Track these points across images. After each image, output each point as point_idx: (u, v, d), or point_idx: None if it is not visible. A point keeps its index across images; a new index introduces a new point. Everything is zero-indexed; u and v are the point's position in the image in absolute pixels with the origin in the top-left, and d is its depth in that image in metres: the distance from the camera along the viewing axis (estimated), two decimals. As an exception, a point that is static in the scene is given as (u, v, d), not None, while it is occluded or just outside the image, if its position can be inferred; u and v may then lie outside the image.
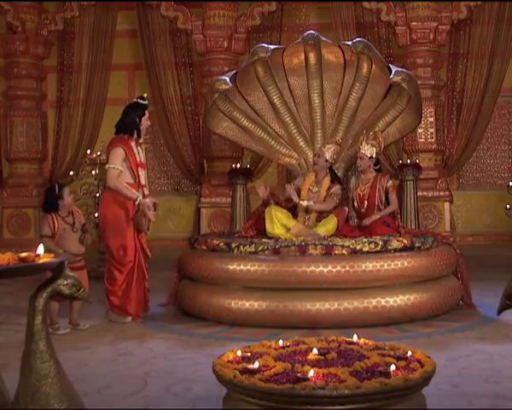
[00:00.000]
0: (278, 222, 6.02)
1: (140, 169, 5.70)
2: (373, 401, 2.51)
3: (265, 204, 6.26)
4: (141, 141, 5.81)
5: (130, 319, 5.66)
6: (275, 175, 11.60)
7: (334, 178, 6.36)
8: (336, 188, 6.30)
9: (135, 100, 5.88)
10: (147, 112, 5.78)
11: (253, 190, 10.80)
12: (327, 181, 6.29)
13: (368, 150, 6.25)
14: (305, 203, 6.15)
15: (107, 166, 5.71)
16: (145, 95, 5.95)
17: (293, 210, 6.37)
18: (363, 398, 2.49)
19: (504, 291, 4.47)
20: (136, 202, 5.59)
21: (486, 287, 6.74)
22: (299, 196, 6.35)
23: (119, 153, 5.60)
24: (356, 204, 6.35)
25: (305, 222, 6.20)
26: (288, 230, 6.01)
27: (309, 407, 2.48)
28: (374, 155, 6.28)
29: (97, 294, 6.92)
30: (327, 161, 6.32)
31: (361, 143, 6.28)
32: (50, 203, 5.54)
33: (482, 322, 5.42)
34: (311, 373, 2.62)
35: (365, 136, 6.28)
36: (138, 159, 5.70)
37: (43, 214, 5.62)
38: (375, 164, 6.35)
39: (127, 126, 5.69)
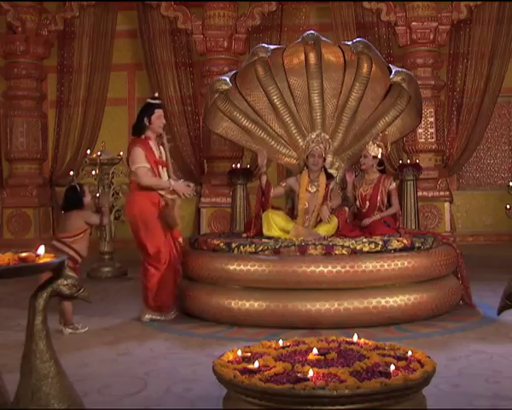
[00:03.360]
0: (276, 226, 6.00)
1: (160, 167, 5.74)
2: (373, 401, 2.51)
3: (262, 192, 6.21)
4: (163, 140, 5.82)
5: (165, 316, 5.70)
6: (275, 175, 11.60)
7: (328, 175, 6.35)
8: (333, 183, 6.34)
9: (146, 100, 5.94)
10: (157, 110, 5.77)
11: (253, 190, 10.82)
12: (323, 179, 6.27)
13: (373, 150, 6.25)
14: (325, 212, 6.07)
15: (133, 168, 5.67)
16: (156, 94, 6.02)
17: (292, 212, 6.37)
18: (364, 398, 2.49)
19: (504, 291, 4.46)
20: (171, 188, 5.68)
21: (486, 287, 6.74)
22: (293, 196, 6.35)
23: (139, 152, 5.66)
24: (358, 204, 6.35)
25: (305, 223, 6.19)
26: (287, 232, 5.99)
27: (309, 407, 2.48)
28: (378, 156, 6.28)
29: (97, 294, 6.94)
30: (324, 159, 6.33)
31: (368, 143, 6.30)
32: (75, 201, 5.52)
33: (482, 322, 5.41)
34: (311, 373, 2.62)
35: (374, 136, 6.29)
36: (158, 156, 5.74)
37: (68, 213, 5.52)
38: (380, 164, 6.35)
39: (139, 127, 5.77)
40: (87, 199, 5.59)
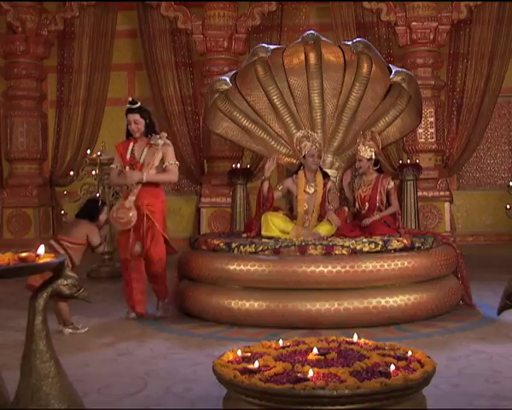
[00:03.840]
0: (275, 228, 6.00)
1: (128, 167, 5.78)
2: (373, 401, 2.51)
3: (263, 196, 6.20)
4: (152, 142, 5.80)
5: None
6: (275, 175, 11.58)
7: (324, 174, 6.33)
8: (331, 182, 6.33)
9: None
10: (129, 115, 5.82)
11: (253, 191, 10.82)
12: (320, 180, 6.25)
13: (366, 152, 6.23)
14: (334, 219, 6.04)
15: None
16: (130, 98, 6.06)
17: (291, 213, 6.36)
18: (364, 398, 2.49)
19: (504, 291, 4.47)
20: (144, 179, 5.69)
21: (486, 287, 6.74)
22: (291, 197, 6.35)
23: (115, 155, 5.99)
24: (357, 205, 6.35)
25: (305, 223, 6.19)
26: (287, 234, 5.98)
27: (309, 407, 2.49)
28: (373, 157, 6.27)
29: (98, 294, 6.94)
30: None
31: (358, 145, 6.26)
32: (91, 213, 5.65)
33: (482, 322, 5.41)
34: (311, 373, 2.62)
35: (362, 137, 6.26)
36: (129, 158, 5.79)
37: (79, 220, 5.62)
38: (375, 164, 6.34)
39: (126, 131, 5.95)
40: (102, 217, 5.71)
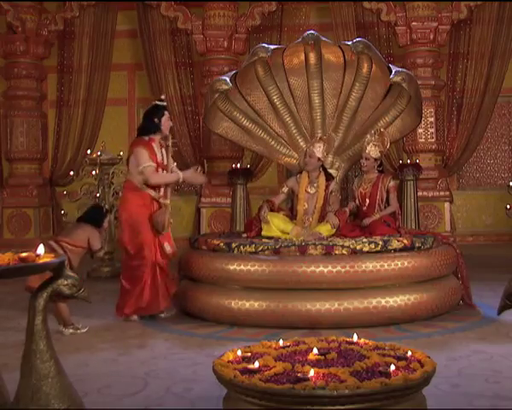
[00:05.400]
0: (276, 228, 6.00)
1: (160, 170, 5.76)
2: (373, 401, 2.51)
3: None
4: (168, 143, 5.86)
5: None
6: (275, 175, 11.60)
7: (328, 175, 6.34)
8: (333, 184, 6.33)
9: (153, 103, 5.97)
10: (166, 112, 5.84)
11: (253, 190, 10.83)
12: (323, 181, 6.25)
13: (374, 152, 6.25)
14: (333, 222, 6.01)
15: (140, 168, 5.64)
16: (163, 96, 6.09)
17: (291, 213, 6.36)
18: (364, 398, 2.49)
19: (504, 291, 4.46)
20: (180, 180, 5.88)
21: (486, 287, 6.74)
22: (293, 197, 6.35)
23: (143, 152, 5.68)
24: (358, 202, 6.36)
25: (305, 223, 6.18)
26: (287, 234, 5.99)
27: (309, 407, 2.48)
28: (379, 157, 6.30)
29: (98, 294, 6.94)
30: (319, 159, 6.27)
31: (367, 144, 6.27)
32: (96, 218, 5.66)
33: (482, 322, 5.42)
34: (312, 373, 2.62)
35: (372, 136, 6.27)
36: (160, 159, 5.76)
37: (82, 223, 5.60)
38: (379, 165, 6.37)
39: (148, 128, 5.78)
40: (106, 224, 5.78)
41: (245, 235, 6.16)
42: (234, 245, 5.59)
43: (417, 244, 5.57)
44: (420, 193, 10.22)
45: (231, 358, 2.92)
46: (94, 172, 8.52)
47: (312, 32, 6.44)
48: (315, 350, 2.94)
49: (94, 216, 5.70)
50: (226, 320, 5.42)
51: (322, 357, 2.88)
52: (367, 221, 6.10)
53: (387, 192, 6.28)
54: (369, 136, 6.31)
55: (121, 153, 8.75)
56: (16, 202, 11.26)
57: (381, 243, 5.47)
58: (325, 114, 6.78)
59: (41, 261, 2.78)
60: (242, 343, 3.53)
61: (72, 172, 10.25)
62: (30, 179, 11.40)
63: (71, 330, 5.28)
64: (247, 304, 5.32)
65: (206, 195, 10.93)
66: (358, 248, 5.41)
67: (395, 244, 5.49)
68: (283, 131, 6.88)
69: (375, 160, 6.28)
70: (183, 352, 4.68)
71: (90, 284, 7.33)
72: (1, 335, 5.31)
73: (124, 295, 5.70)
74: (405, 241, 5.54)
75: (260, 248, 5.50)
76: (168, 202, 5.81)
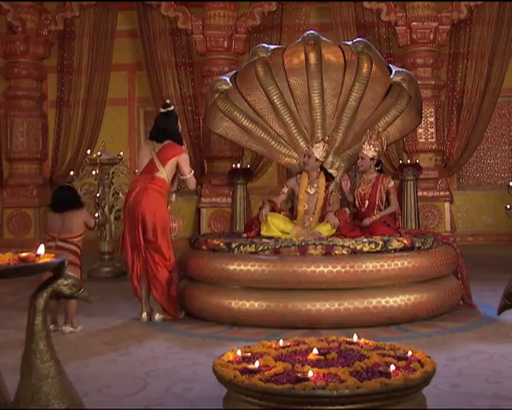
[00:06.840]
0: (276, 228, 6.00)
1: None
2: (373, 401, 2.51)
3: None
4: None
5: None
6: (275, 175, 11.60)
7: (328, 175, 6.33)
8: (333, 184, 6.32)
9: (171, 108, 6.06)
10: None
11: (253, 190, 10.83)
12: (322, 181, 6.24)
13: (369, 151, 6.22)
14: (334, 222, 6.01)
15: (189, 174, 6.01)
16: (168, 101, 6.26)
17: (292, 213, 6.36)
18: (364, 398, 2.49)
19: (504, 291, 4.46)
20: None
21: (486, 287, 6.73)
22: (293, 197, 6.35)
23: (188, 159, 6.07)
24: (357, 203, 6.35)
25: (305, 223, 6.18)
26: (287, 234, 5.98)
27: (309, 407, 2.48)
28: (375, 156, 6.26)
29: (97, 294, 6.94)
30: (317, 160, 6.25)
31: (363, 143, 6.25)
32: (74, 200, 5.53)
33: (482, 322, 5.41)
34: (312, 373, 2.62)
35: (368, 136, 6.25)
36: None
37: (69, 213, 5.43)
38: (377, 165, 6.34)
39: (179, 136, 6.04)
40: (82, 199, 5.79)
41: (245, 235, 6.16)
42: (234, 245, 5.59)
43: (417, 244, 5.57)
44: (420, 193, 10.23)
45: (231, 358, 2.92)
46: (94, 173, 8.51)
47: (312, 32, 6.44)
48: (315, 350, 2.94)
49: (72, 200, 5.52)
50: (226, 320, 5.42)
51: (323, 357, 2.88)
52: (367, 221, 6.09)
53: (387, 193, 6.27)
54: (364, 136, 6.31)
55: (121, 153, 8.75)
56: (16, 202, 11.27)
57: (381, 243, 5.47)
58: (325, 114, 6.78)
59: (41, 261, 2.78)
60: (242, 343, 3.53)
61: (72, 172, 10.25)
62: (30, 179, 11.41)
63: (71, 329, 5.31)
64: (247, 304, 5.32)
65: (206, 195, 10.93)
66: (358, 248, 5.41)
67: (395, 244, 5.49)
68: (283, 131, 6.87)
69: (371, 159, 6.25)
70: (183, 352, 4.68)
71: (90, 284, 7.33)
72: (1, 335, 5.31)
73: (166, 301, 5.68)
74: (405, 241, 5.54)
75: (260, 248, 5.50)
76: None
